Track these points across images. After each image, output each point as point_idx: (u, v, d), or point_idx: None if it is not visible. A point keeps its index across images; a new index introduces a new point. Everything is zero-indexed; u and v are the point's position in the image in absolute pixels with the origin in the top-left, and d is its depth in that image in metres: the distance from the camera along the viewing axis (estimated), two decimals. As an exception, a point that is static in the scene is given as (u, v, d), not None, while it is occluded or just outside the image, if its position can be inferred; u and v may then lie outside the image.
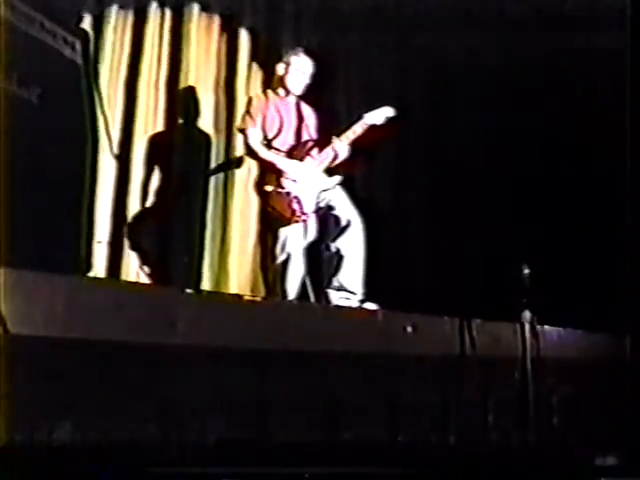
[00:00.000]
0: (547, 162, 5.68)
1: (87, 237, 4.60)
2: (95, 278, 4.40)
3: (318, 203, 4.67)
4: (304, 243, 4.65)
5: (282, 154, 4.68)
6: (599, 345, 4.89)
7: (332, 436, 3.45)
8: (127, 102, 5.02)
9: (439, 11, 5.56)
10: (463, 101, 5.74)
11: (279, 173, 4.62)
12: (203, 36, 5.33)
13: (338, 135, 4.69)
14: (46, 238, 3.82)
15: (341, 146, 4.67)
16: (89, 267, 4.61)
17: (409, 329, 4.09)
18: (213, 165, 5.26)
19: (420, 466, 3.40)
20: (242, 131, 4.75)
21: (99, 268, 4.72)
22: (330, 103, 5.37)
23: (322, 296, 4.74)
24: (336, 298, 4.69)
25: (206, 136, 5.23)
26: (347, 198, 4.75)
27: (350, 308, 4.57)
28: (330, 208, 4.74)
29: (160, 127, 5.12)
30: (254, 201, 4.94)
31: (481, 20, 5.57)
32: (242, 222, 5.29)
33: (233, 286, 5.19)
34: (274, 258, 4.66)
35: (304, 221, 4.61)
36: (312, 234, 4.69)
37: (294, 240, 4.61)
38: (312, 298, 4.73)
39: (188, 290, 4.05)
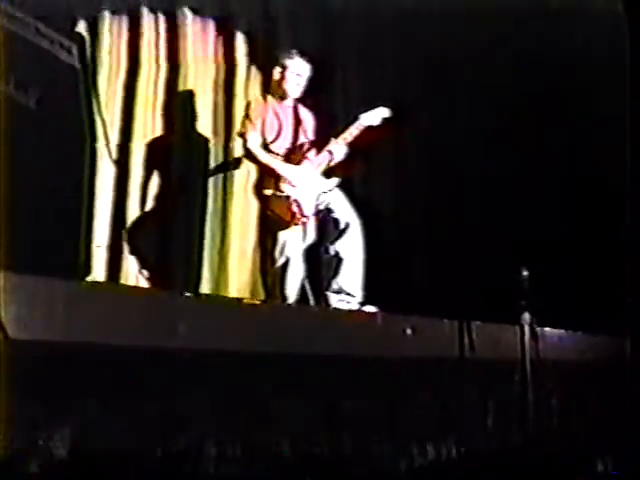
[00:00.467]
0: (547, 164, 5.69)
1: (86, 241, 4.60)
2: (94, 282, 4.40)
3: (317, 206, 4.67)
4: (303, 246, 4.66)
5: (280, 157, 4.68)
6: (598, 347, 4.90)
7: (331, 438, 3.45)
8: (125, 106, 5.01)
9: (438, 10, 5.57)
10: (462, 102, 5.75)
11: (278, 177, 4.62)
12: (200, 39, 5.33)
13: (335, 137, 4.70)
14: (46, 242, 3.82)
15: (338, 147, 4.68)
16: (88, 271, 4.61)
17: (409, 331, 4.10)
18: (212, 169, 5.26)
19: (420, 467, 3.39)
20: (242, 135, 4.76)
21: (98, 272, 4.71)
22: (327, 105, 5.37)
23: (321, 299, 4.74)
24: (335, 301, 4.69)
25: (205, 140, 5.22)
26: (346, 200, 4.76)
27: (349, 311, 4.57)
28: (329, 211, 4.74)
29: (159, 131, 5.11)
30: (253, 205, 4.94)
31: (481, 20, 5.58)
32: (241, 226, 5.28)
33: (233, 289, 5.18)
34: (274, 261, 4.66)
35: (303, 224, 4.61)
36: (311, 237, 4.69)
37: (293, 243, 4.61)
38: (311, 301, 4.73)
39: (188, 294, 4.05)
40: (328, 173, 4.72)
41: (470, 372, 4.14)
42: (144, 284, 4.84)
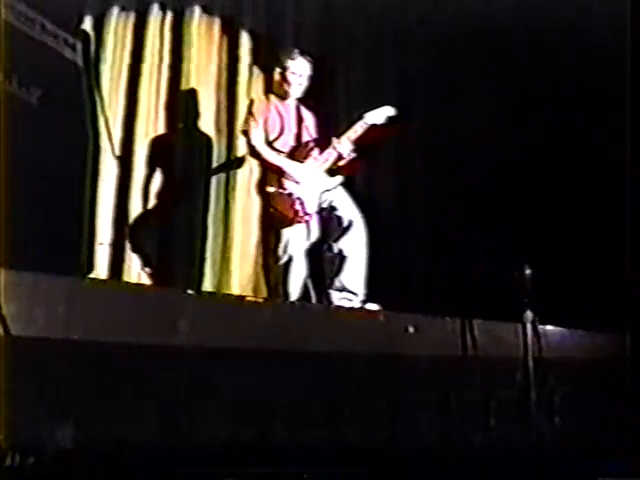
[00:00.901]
0: (548, 163, 5.69)
1: (89, 238, 4.61)
2: (96, 280, 4.40)
3: (320, 204, 4.67)
4: (306, 244, 4.66)
5: (284, 155, 4.69)
6: (600, 345, 4.90)
7: (333, 436, 3.45)
8: (128, 103, 5.02)
9: (437, 11, 5.57)
10: (464, 101, 5.74)
11: (281, 174, 4.62)
12: (204, 38, 5.34)
13: (339, 135, 4.69)
14: (47, 240, 3.82)
15: (342, 146, 4.67)
16: (91, 268, 4.61)
17: (411, 329, 4.10)
18: (214, 167, 5.27)
19: (421, 466, 3.40)
20: (245, 133, 4.76)
21: (101, 269, 4.72)
22: (330, 104, 5.37)
23: (324, 297, 4.74)
24: (338, 299, 4.69)
25: (207, 137, 5.23)
26: (349, 198, 4.75)
27: (352, 309, 4.57)
28: (332, 209, 4.74)
29: (161, 128, 5.12)
30: (256, 202, 4.95)
31: (480, 20, 5.57)
32: (244, 223, 5.28)
33: (235, 287, 5.19)
34: (276, 259, 4.66)
35: (306, 222, 4.61)
36: (314, 235, 4.69)
37: (296, 241, 4.61)
38: (314, 299, 4.73)
39: (190, 291, 4.05)
40: (332, 171, 4.72)
41: (472, 370, 4.14)
42: (146, 281, 4.85)
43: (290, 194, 4.59)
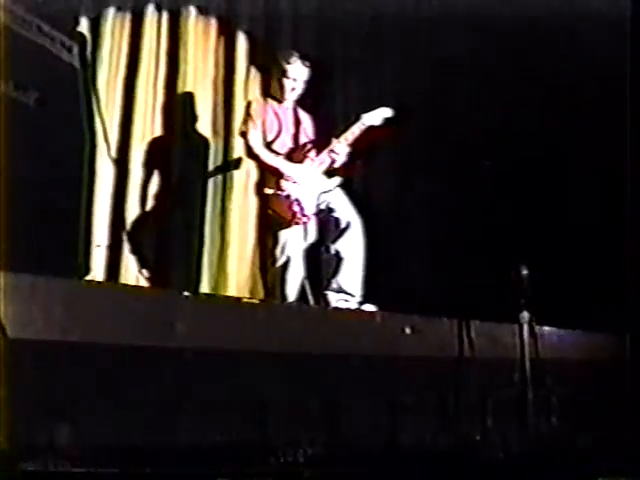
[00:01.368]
0: (546, 162, 5.69)
1: (86, 241, 4.60)
2: (94, 282, 4.40)
3: (318, 205, 4.67)
4: (304, 245, 4.66)
5: (282, 156, 4.69)
6: (598, 345, 4.90)
7: (330, 437, 3.45)
8: (125, 105, 5.00)
9: (437, 12, 5.57)
10: (462, 102, 5.75)
11: (279, 175, 4.63)
12: (201, 39, 5.33)
13: (337, 137, 4.70)
14: (45, 242, 3.82)
15: (340, 148, 4.67)
16: (88, 271, 4.61)
17: (408, 330, 4.10)
18: (211, 168, 5.26)
19: (419, 467, 3.40)
20: (243, 134, 4.76)
21: (98, 272, 4.71)
22: (328, 106, 5.37)
23: (321, 298, 4.74)
24: (335, 300, 4.69)
25: (204, 139, 5.22)
26: (347, 200, 4.76)
27: (349, 310, 4.57)
28: (330, 210, 4.75)
29: (158, 131, 5.11)
30: (253, 204, 4.95)
31: (480, 20, 5.57)
32: (241, 225, 5.28)
33: (232, 289, 5.18)
34: (274, 261, 4.66)
35: (304, 223, 4.61)
36: (312, 236, 4.70)
37: (294, 243, 4.62)
38: (311, 301, 4.73)
39: (187, 293, 4.05)
40: (329, 173, 4.73)
41: (469, 371, 4.14)
42: (144, 283, 4.84)
43: (288, 195, 4.60)
